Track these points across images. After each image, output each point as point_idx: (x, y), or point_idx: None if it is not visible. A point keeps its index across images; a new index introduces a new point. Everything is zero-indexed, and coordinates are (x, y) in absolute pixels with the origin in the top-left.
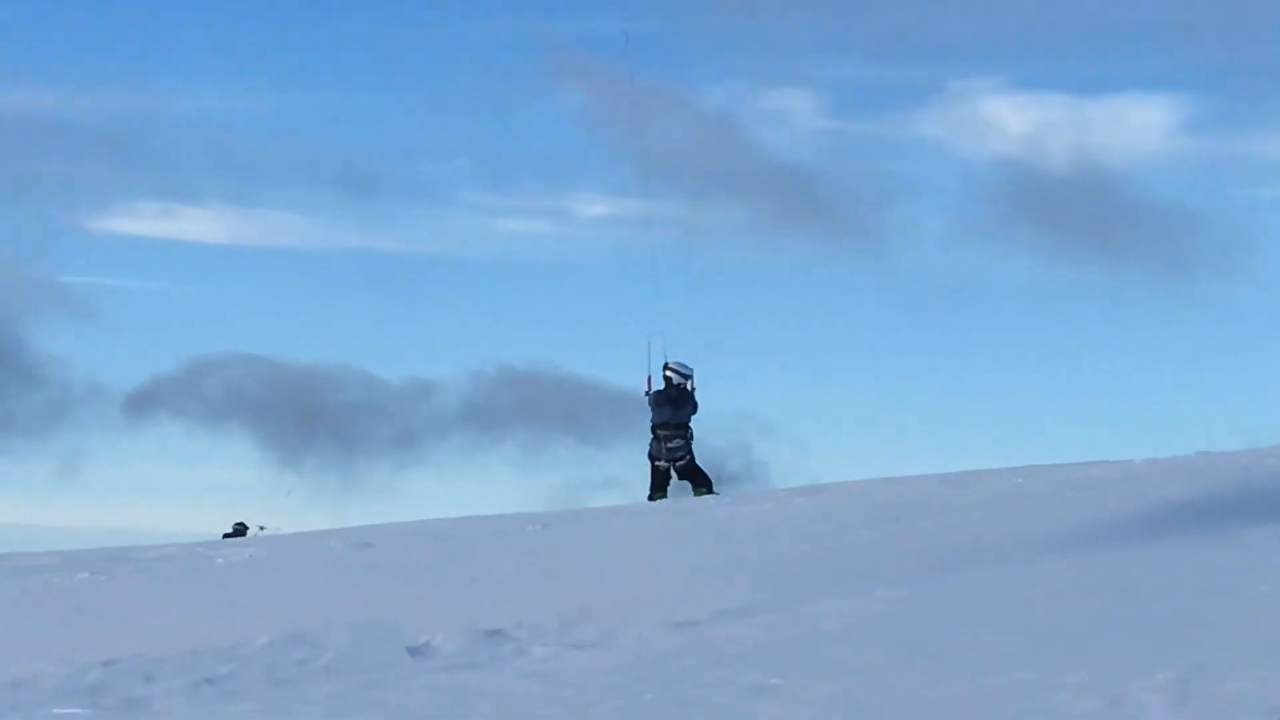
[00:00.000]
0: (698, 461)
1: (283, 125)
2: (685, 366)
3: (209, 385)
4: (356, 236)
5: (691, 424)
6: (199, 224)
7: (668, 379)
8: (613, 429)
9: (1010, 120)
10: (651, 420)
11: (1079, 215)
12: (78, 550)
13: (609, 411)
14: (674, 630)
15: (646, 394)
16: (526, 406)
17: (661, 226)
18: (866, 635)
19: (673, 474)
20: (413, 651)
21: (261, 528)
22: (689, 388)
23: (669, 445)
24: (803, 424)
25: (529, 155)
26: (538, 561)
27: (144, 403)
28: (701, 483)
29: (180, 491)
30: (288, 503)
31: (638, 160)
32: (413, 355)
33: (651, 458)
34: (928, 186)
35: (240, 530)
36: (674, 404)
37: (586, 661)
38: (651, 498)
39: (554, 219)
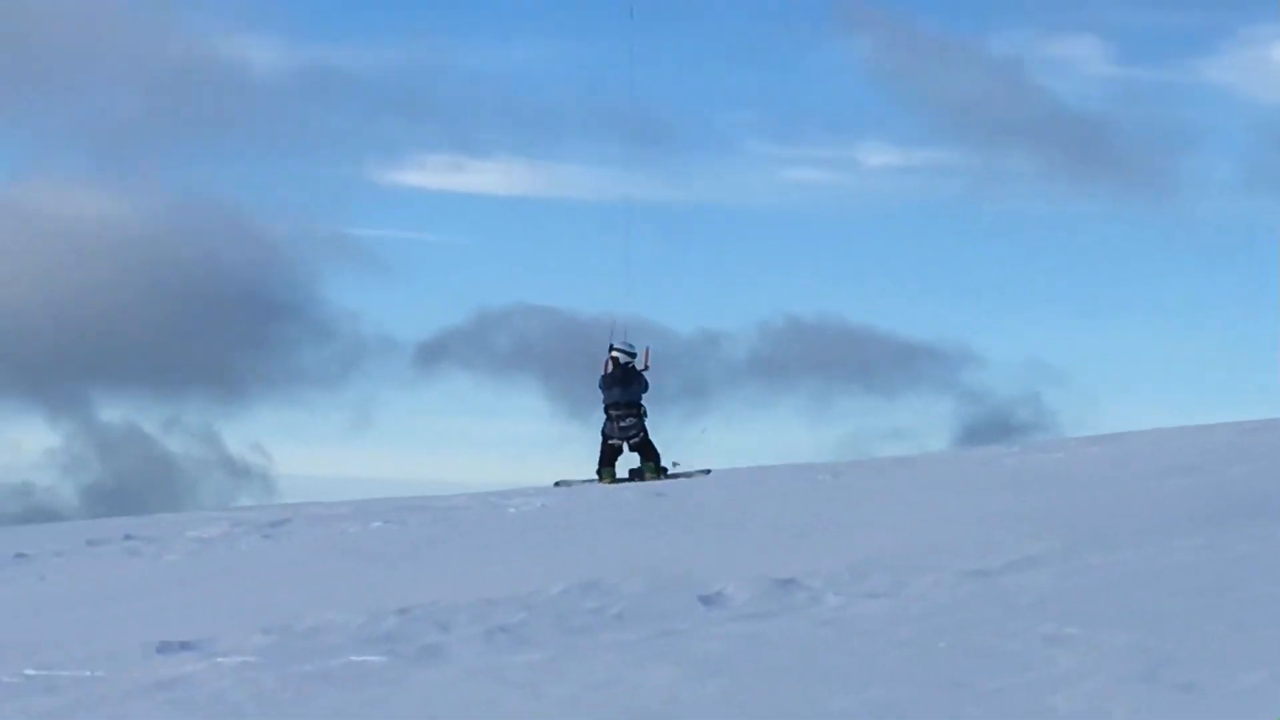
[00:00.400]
0: (651, 438)
1: (571, 76)
2: (630, 346)
3: (497, 337)
4: (645, 187)
5: (644, 401)
6: (488, 176)
7: (615, 359)
8: (900, 379)
9: None
10: (604, 401)
11: None
12: (371, 500)
13: (896, 362)
14: (967, 579)
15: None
16: (814, 357)
17: (950, 176)
18: (1164, 584)
19: (624, 448)
20: (705, 600)
21: (675, 464)
22: (637, 366)
23: (621, 424)
24: (1094, 373)
25: (816, 105)
26: (829, 511)
27: (433, 354)
28: (651, 457)
29: (469, 443)
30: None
31: (925, 109)
32: (701, 306)
33: (605, 436)
34: (1218, 133)
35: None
36: (622, 384)
37: (879, 610)
38: (599, 474)
39: (841, 169)
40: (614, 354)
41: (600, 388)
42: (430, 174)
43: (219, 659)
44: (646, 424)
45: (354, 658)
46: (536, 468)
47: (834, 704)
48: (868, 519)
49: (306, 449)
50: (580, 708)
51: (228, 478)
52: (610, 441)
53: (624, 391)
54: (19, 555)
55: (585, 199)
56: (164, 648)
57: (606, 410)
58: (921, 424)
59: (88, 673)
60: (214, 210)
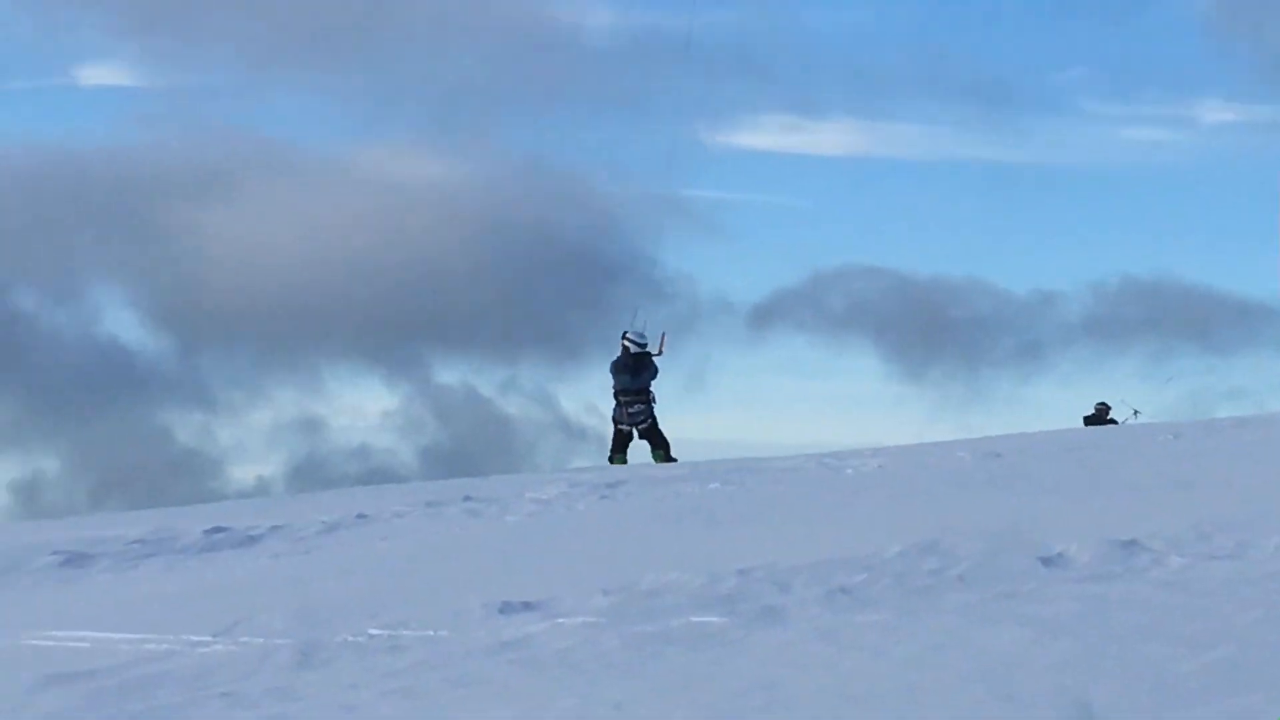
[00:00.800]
0: (659, 425)
1: (909, 37)
2: (641, 335)
3: (832, 298)
4: (981, 148)
5: (653, 388)
6: (825, 137)
7: (625, 348)
8: (1239, 339)
9: None
10: (614, 387)
11: None
12: (707, 461)
13: (1234, 321)
14: None
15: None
16: (1151, 317)
17: None
18: None
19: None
20: (1046, 562)
21: (1136, 412)
22: (649, 353)
23: (630, 410)
24: None
25: (1152, 62)
26: (1170, 471)
27: (768, 316)
28: (660, 445)
29: (802, 403)
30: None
31: (1264, 65)
32: (1036, 266)
33: (615, 421)
34: None
35: (1103, 412)
36: (631, 371)
37: (1225, 572)
38: (611, 459)
39: (1178, 126)
40: (624, 342)
41: (611, 373)
42: (766, 135)
43: (561, 619)
44: (655, 411)
45: (694, 618)
46: (871, 428)
47: (1180, 666)
48: (1210, 479)
49: None
50: (922, 669)
51: (563, 439)
52: (620, 427)
53: (633, 379)
54: (360, 516)
55: (921, 159)
56: (506, 608)
57: (616, 396)
58: (1261, 384)
59: (431, 632)
60: (550, 173)
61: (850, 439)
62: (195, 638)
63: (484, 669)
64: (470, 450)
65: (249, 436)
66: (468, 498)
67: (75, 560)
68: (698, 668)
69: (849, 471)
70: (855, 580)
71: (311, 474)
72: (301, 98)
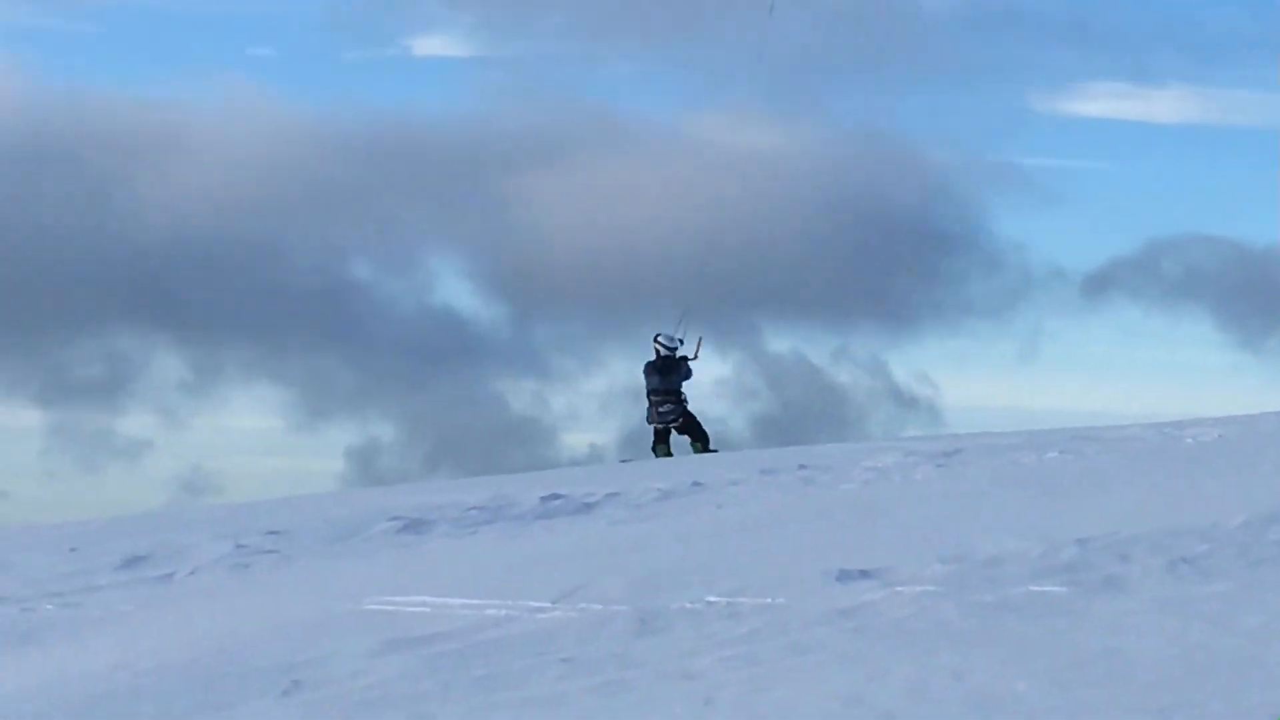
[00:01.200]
0: (698, 419)
1: (1248, 1)
2: (671, 339)
3: (1168, 266)
4: None
5: (684, 389)
6: (1161, 104)
7: (656, 350)
8: None
9: None
10: (646, 388)
11: None
12: (1043, 429)
13: None
14: None
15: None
16: None
17: None
18: None
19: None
20: None
21: None
22: (680, 356)
23: (660, 410)
24: None
25: None
26: None
27: (1102, 284)
28: (698, 438)
29: (1137, 372)
30: None
31: None
32: None
33: (647, 421)
34: None
35: None
36: (661, 373)
37: None
38: (654, 449)
39: None
40: (655, 345)
41: (643, 375)
42: (1098, 102)
43: (898, 588)
44: (689, 408)
45: (1034, 587)
46: (1208, 397)
47: None
48: None
49: (978, 379)
50: (1268, 641)
51: (895, 408)
52: (654, 425)
53: (662, 380)
54: (696, 484)
55: (1258, 126)
56: (843, 576)
57: (648, 396)
58: None
59: (769, 600)
60: (882, 141)
61: (1187, 408)
62: (535, 604)
63: (821, 637)
64: (801, 419)
65: (582, 404)
66: (803, 466)
67: (414, 526)
68: (1038, 637)
69: (1188, 440)
70: (1197, 550)
71: (644, 442)
72: (635, 66)
